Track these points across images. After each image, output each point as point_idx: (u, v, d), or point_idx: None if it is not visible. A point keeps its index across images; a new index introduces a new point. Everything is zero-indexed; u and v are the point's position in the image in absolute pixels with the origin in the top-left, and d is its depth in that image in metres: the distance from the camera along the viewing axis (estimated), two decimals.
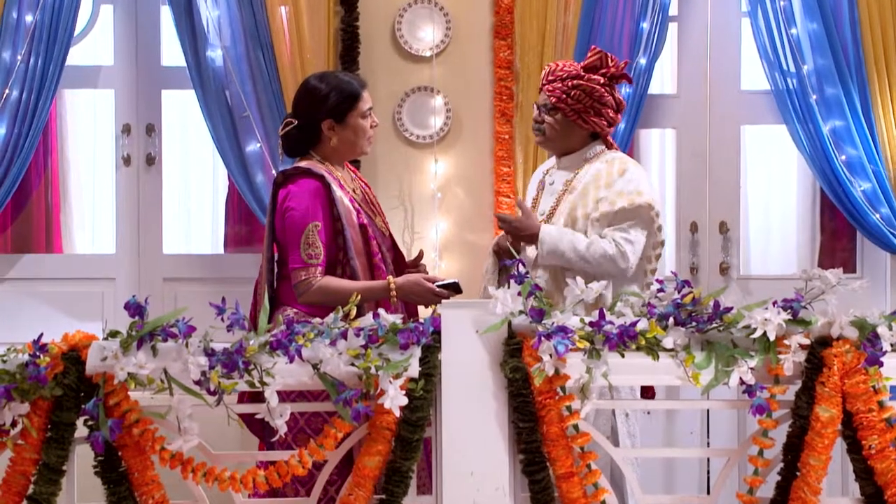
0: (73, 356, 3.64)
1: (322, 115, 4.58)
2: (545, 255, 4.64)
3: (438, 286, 4.46)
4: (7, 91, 5.73)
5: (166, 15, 6.05)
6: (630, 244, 4.65)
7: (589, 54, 4.84)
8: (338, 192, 4.51)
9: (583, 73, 4.78)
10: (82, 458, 3.75)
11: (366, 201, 4.69)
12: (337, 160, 4.67)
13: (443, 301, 4.05)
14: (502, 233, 4.95)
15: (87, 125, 6.52)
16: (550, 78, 4.81)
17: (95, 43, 6.28)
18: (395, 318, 3.68)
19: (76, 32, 5.95)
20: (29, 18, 5.75)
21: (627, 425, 4.77)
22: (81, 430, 3.65)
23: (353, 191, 4.65)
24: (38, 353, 3.59)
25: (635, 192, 4.70)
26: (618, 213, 4.67)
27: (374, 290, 4.42)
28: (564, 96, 4.76)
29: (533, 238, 4.67)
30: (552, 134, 4.84)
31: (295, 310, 4.44)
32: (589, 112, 4.77)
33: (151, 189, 6.22)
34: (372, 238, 4.54)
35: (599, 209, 4.68)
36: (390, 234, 4.76)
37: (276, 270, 4.61)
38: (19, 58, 5.73)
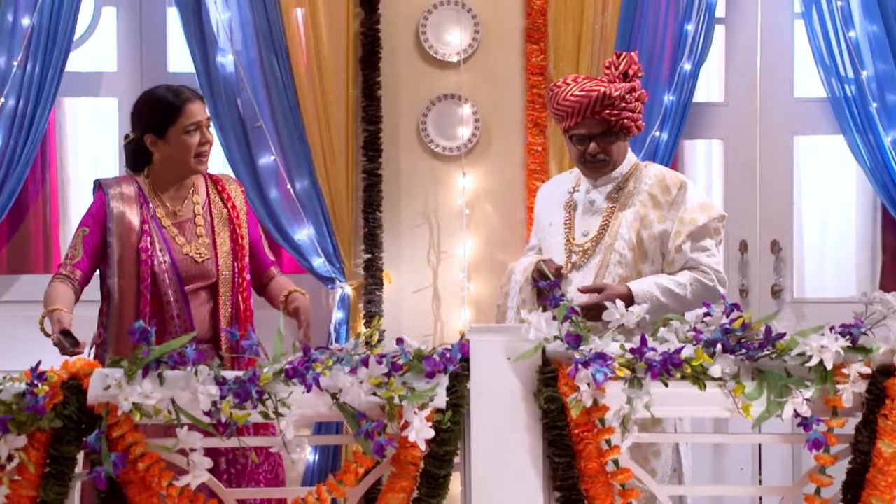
0: (74, 385, 3.64)
1: (143, 128, 4.77)
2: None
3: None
4: (3, 99, 5.76)
5: (173, 18, 6.08)
6: (719, 263, 4.82)
7: (622, 61, 4.83)
8: (118, 208, 4.72)
9: (635, 85, 4.80)
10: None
11: (188, 221, 4.80)
12: (166, 176, 4.83)
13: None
14: (540, 257, 4.95)
15: (88, 136, 6.56)
16: (607, 102, 4.73)
17: (97, 48, 6.32)
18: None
19: (77, 36, 6.00)
20: (26, 21, 5.78)
21: (688, 458, 4.79)
22: (82, 465, 3.66)
23: (174, 212, 4.81)
24: (36, 382, 3.60)
25: (708, 205, 4.86)
26: (701, 230, 4.78)
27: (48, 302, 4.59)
28: (629, 113, 4.78)
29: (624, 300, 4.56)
30: (618, 158, 4.87)
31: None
32: (640, 118, 4.87)
33: None
34: (144, 263, 4.70)
35: (682, 232, 4.76)
36: (241, 266, 4.85)
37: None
38: (16, 64, 5.77)
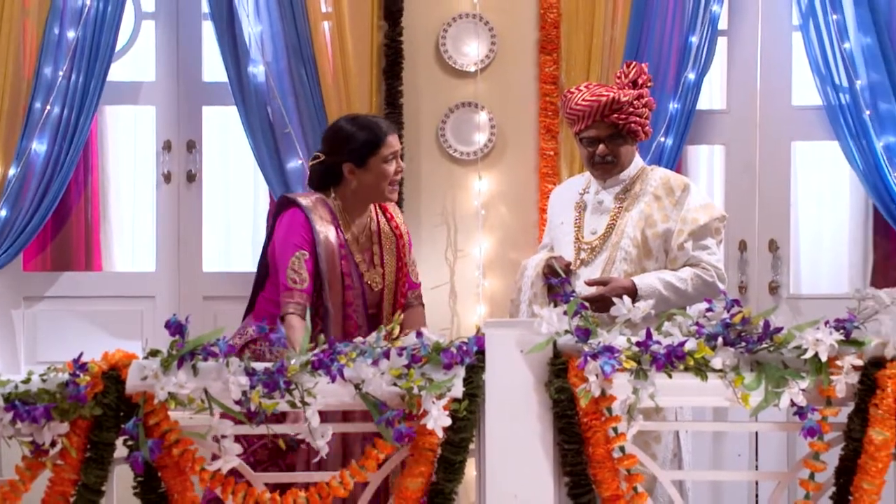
0: (113, 375, 3.66)
1: (343, 157, 4.70)
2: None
3: None
4: (48, 107, 5.77)
5: (208, 30, 6.09)
6: (720, 261, 4.82)
7: (631, 70, 4.85)
8: (322, 231, 4.63)
9: (643, 93, 4.81)
10: (122, 479, 3.77)
11: (367, 249, 4.76)
12: (356, 203, 4.77)
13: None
14: (551, 254, 4.95)
15: (127, 142, 6.57)
16: (616, 107, 4.75)
17: (137, 59, 6.32)
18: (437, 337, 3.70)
19: (118, 48, 6.00)
20: (71, 34, 5.80)
21: (688, 444, 4.78)
22: (121, 451, 3.67)
23: (357, 239, 4.75)
24: (77, 373, 3.62)
25: (710, 206, 4.86)
26: (703, 228, 4.77)
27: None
28: (636, 118, 4.78)
29: (628, 293, 4.54)
30: (626, 161, 4.86)
31: (255, 326, 4.35)
32: (647, 124, 4.85)
33: (192, 206, 6.25)
34: (348, 288, 4.64)
35: (684, 230, 4.76)
36: (399, 292, 4.82)
37: (260, 285, 4.79)
38: (61, 74, 5.78)
